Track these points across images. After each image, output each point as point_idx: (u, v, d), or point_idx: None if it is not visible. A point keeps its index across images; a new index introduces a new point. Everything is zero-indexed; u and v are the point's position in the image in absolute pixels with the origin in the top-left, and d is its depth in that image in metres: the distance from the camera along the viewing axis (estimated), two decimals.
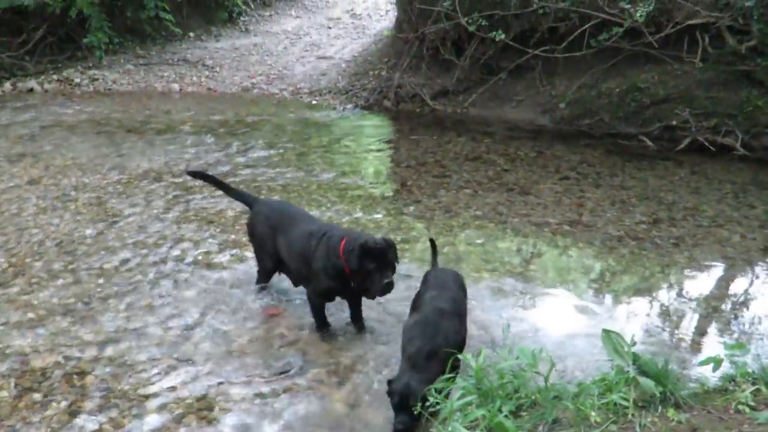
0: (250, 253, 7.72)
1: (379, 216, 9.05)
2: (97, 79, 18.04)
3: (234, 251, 7.80)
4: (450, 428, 3.89)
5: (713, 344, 6.19)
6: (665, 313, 6.85)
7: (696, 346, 6.20)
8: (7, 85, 17.57)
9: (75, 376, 5.45)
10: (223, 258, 7.64)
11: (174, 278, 7.15)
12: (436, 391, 4.28)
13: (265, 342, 6.02)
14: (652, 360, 4.15)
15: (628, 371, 4.07)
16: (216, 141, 12.63)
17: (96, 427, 4.91)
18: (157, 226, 8.45)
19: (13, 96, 16.96)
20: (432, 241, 6.31)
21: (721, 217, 9.13)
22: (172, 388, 5.34)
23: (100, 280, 7.08)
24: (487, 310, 6.63)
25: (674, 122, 12.63)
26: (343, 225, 8.56)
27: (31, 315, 6.36)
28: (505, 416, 3.94)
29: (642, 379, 3.96)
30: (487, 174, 10.97)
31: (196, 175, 7.27)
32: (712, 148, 11.92)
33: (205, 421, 4.97)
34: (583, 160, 11.77)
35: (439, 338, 4.78)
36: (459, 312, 5.19)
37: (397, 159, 12.19)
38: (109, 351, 5.82)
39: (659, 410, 3.92)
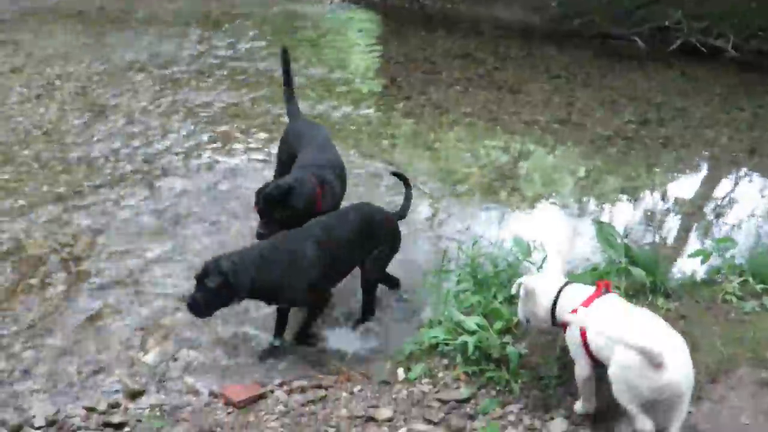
0: (239, 145, 7.73)
1: (369, 111, 9.02)
2: None
3: (222, 143, 7.76)
4: (446, 313, 4.00)
5: (698, 241, 6.32)
6: (652, 211, 6.97)
7: (681, 243, 6.33)
8: None
9: (71, 263, 5.49)
10: (213, 150, 7.60)
11: (164, 169, 7.12)
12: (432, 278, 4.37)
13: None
14: (643, 251, 4.26)
15: (619, 262, 4.18)
16: (201, 33, 12.35)
17: (93, 312, 4.97)
18: (145, 118, 8.36)
19: None
20: (402, 177, 5.34)
21: (709, 118, 9.17)
22: (167, 275, 5.40)
23: (90, 170, 7.05)
24: (477, 205, 6.70)
25: (666, 23, 12.49)
26: (333, 120, 8.51)
27: (22, 202, 6.34)
28: (500, 303, 4.06)
29: (634, 269, 4.07)
30: (477, 72, 10.87)
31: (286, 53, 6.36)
32: (703, 50, 11.84)
33: None
34: (573, 60, 11.68)
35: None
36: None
37: (386, 55, 12.01)
38: (103, 239, 5.85)
39: (649, 299, 4.05)
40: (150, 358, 4.61)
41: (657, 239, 6.45)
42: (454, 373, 3.80)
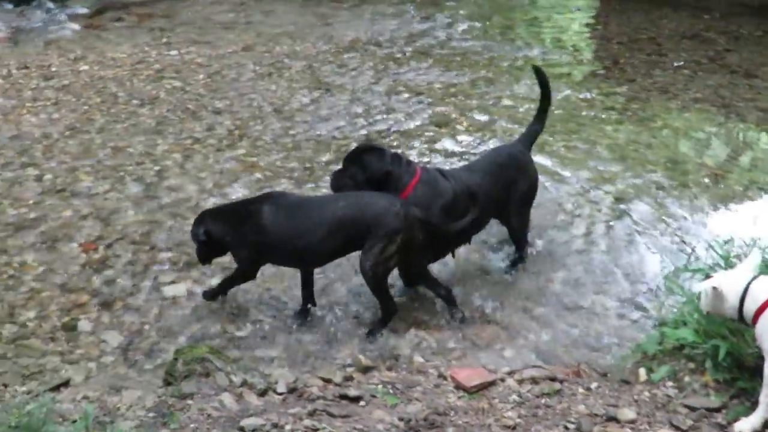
0: (460, 127, 7.75)
1: (591, 95, 8.72)
2: None
3: (445, 124, 7.80)
4: (695, 315, 3.79)
5: None
6: None
7: None
8: None
9: None
10: (435, 130, 7.67)
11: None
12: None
13: None
14: None
15: None
16: (418, 11, 12.45)
17: (324, 285, 5.17)
18: (368, 97, 8.57)
19: None
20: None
21: None
22: None
23: (318, 147, 7.33)
24: (713, 198, 6.31)
25: None
26: (554, 104, 8.26)
27: (258, 175, 6.72)
28: None
29: None
30: (707, 54, 10.21)
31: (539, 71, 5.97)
32: None
33: None
34: None
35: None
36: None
37: (606, 35, 11.57)
38: None
39: None
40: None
41: None
42: (702, 379, 3.61)
